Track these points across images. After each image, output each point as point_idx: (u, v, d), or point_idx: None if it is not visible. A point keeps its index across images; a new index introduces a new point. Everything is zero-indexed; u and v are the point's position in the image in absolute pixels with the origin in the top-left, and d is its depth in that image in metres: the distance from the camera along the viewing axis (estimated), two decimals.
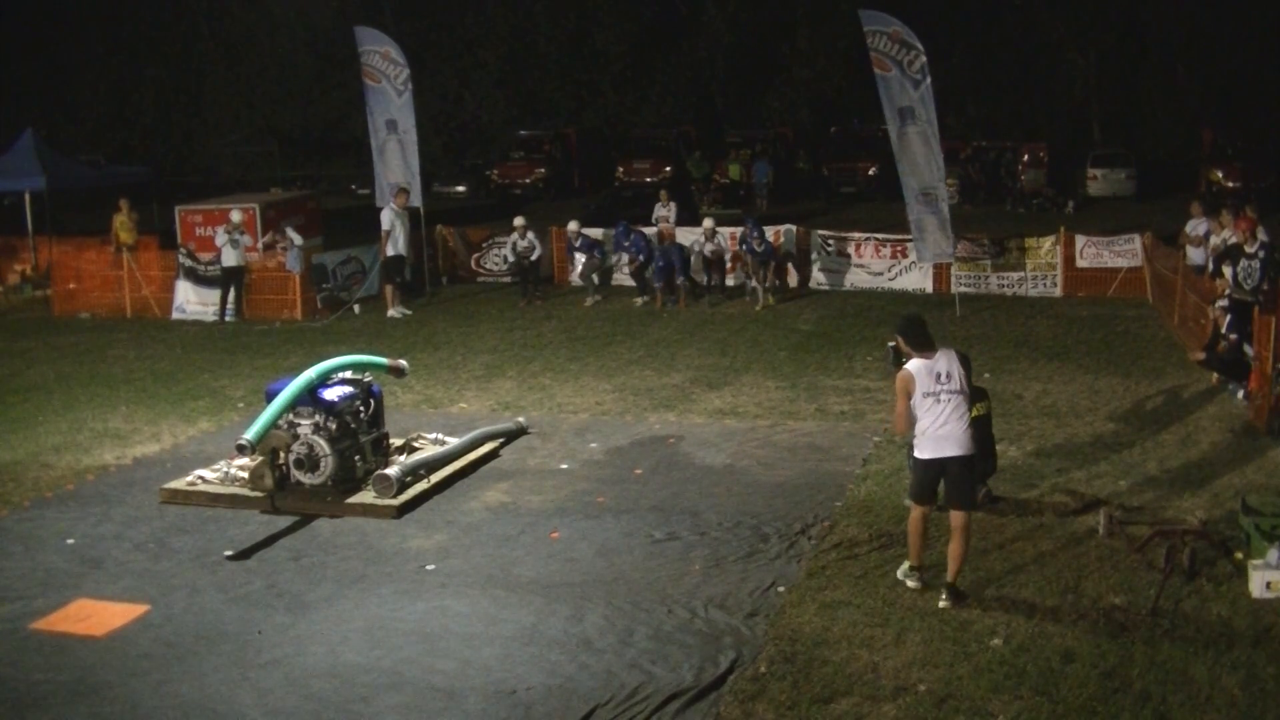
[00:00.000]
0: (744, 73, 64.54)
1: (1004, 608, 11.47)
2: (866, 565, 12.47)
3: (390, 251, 28.67)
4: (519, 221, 30.26)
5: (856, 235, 30.22)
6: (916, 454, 11.82)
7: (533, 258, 29.88)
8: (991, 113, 58.08)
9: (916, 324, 11.93)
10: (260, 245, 30.44)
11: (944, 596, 11.55)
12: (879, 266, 29.61)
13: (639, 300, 28.42)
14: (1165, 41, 57.19)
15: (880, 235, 29.96)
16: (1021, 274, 28.55)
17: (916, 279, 29.05)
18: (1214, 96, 55.54)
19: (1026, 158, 49.35)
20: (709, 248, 29.09)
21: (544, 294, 29.78)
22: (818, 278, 30.01)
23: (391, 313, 27.89)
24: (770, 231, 29.41)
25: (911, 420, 11.71)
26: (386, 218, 28.80)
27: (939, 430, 11.51)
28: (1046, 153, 49.93)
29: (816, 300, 28.30)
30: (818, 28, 61.59)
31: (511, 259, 30.41)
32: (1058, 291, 28.19)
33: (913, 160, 26.12)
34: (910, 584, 11.84)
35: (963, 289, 27.88)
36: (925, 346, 11.67)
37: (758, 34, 64.10)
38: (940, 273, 28.69)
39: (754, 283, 28.43)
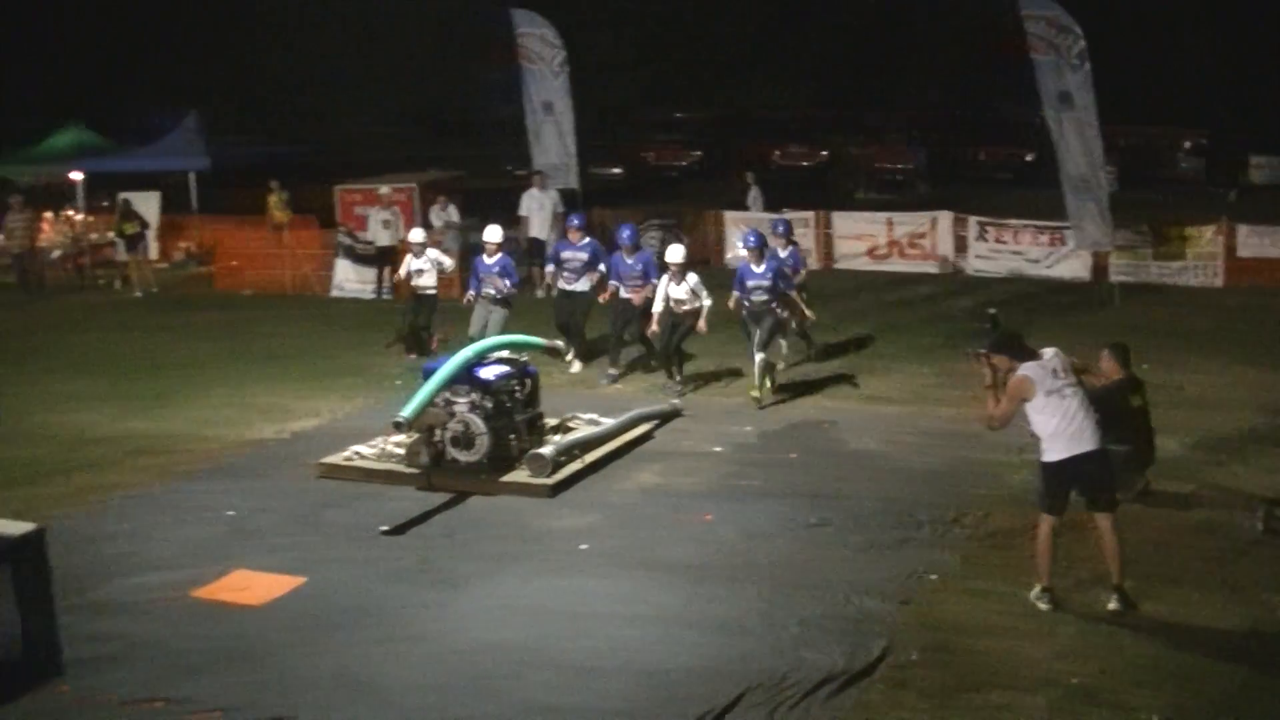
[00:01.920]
0: (885, 55, 63.96)
1: (1157, 602, 11.34)
2: (1019, 555, 12.34)
3: (530, 234, 28.78)
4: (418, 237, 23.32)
5: (1013, 222, 29.88)
6: (1048, 458, 11.27)
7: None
8: (1151, 99, 57.03)
9: (1016, 338, 11.62)
10: (433, 221, 30.76)
11: (1114, 600, 11.21)
12: (1036, 254, 29.23)
13: None
14: None
15: (1037, 222, 29.56)
16: (1182, 263, 28.02)
17: (1074, 267, 28.60)
18: None
19: (1188, 145, 48.41)
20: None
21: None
22: (975, 264, 29.76)
23: (538, 293, 28.04)
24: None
25: (1005, 419, 11.46)
26: (523, 202, 28.90)
27: (1071, 428, 11.08)
28: (1208, 139, 48.89)
29: (973, 286, 28.06)
30: (957, 9, 60.89)
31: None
32: (1219, 281, 27.59)
33: (1070, 146, 25.79)
34: (1042, 606, 11.30)
35: (1121, 278, 27.46)
36: (1031, 356, 11.30)
37: (895, 15, 63.56)
38: (1098, 261, 28.28)
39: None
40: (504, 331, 19.40)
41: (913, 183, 47.32)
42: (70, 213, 36.63)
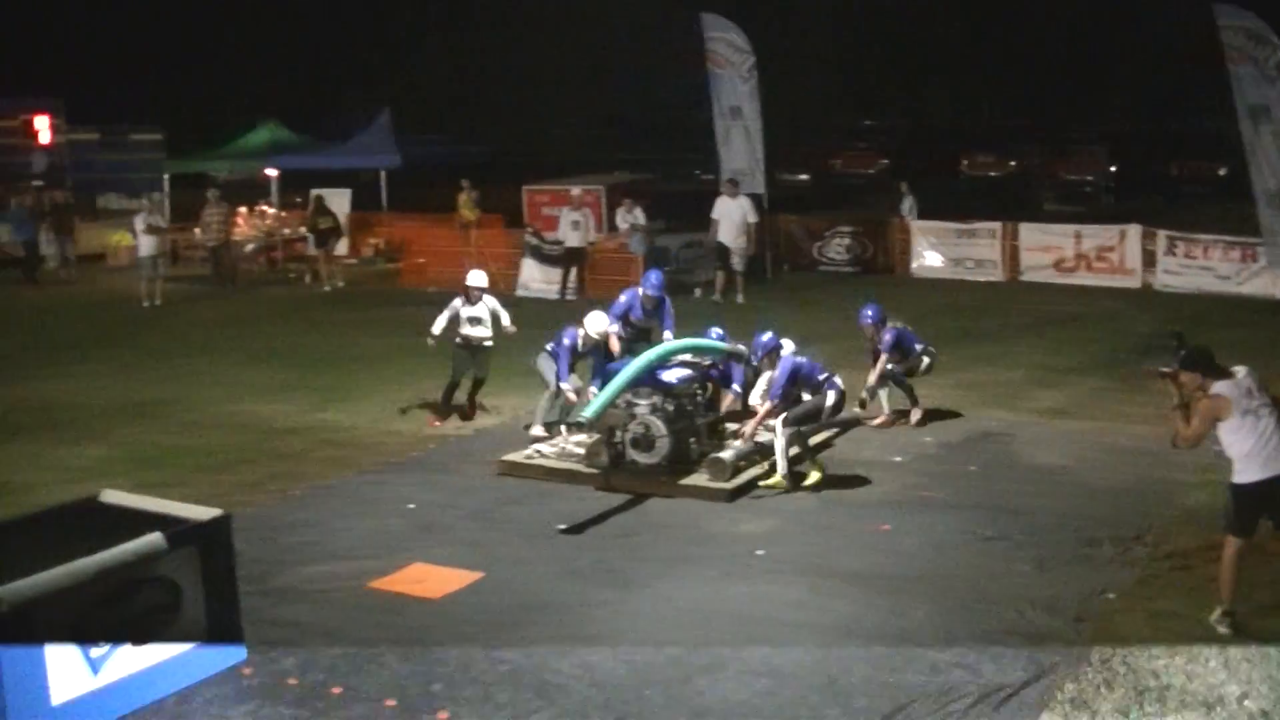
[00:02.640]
0: (1077, 66, 63.07)
1: None
2: (1199, 577, 12.08)
3: (717, 238, 28.80)
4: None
5: (1204, 237, 29.25)
6: (1241, 479, 10.87)
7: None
8: None
9: (1207, 355, 11.12)
10: (619, 223, 30.98)
11: None
12: (1227, 270, 28.51)
13: None
14: None
15: (1229, 238, 28.91)
16: None
17: (1265, 284, 27.77)
18: None
19: None
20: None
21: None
22: (1163, 280, 29.23)
23: (715, 297, 28.06)
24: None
25: (1196, 439, 11.15)
26: (715, 207, 28.90)
27: (1266, 449, 10.69)
28: None
29: (1160, 302, 27.56)
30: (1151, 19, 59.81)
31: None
32: None
33: (1266, 160, 25.23)
34: (1222, 630, 10.94)
35: None
36: (1223, 373, 10.91)
37: (1087, 26, 62.63)
38: None
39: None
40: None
41: (1098, 195, 46.63)
42: (264, 208, 37.48)
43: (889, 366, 17.96)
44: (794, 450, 15.28)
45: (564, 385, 16.83)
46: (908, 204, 33.21)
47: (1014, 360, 21.84)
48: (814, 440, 15.90)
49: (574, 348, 17.20)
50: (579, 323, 17.32)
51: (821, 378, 15.48)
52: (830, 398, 15.37)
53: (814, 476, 15.24)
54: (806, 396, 15.38)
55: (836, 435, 17.25)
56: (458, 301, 18.92)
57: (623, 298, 18.18)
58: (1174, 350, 11.39)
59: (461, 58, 72.24)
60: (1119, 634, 10.96)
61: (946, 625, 11.15)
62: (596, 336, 17.21)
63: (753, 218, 28.56)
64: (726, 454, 15.25)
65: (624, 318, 17.90)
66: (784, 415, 15.21)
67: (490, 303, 19.20)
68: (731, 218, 28.53)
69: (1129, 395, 19.22)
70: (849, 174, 53.81)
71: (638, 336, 17.88)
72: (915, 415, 18.08)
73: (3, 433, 15.60)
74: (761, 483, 15.11)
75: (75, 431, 18.53)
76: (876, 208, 35.18)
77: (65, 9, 68.65)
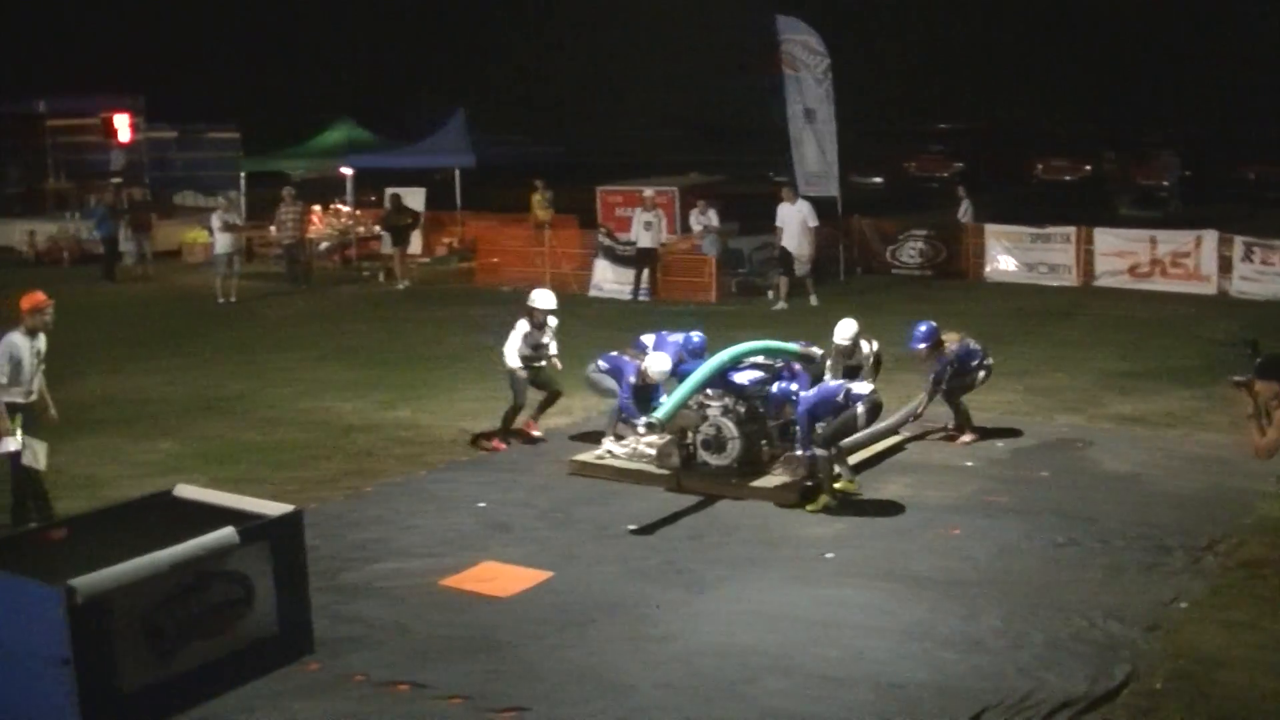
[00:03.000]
0: (1153, 70, 62.54)
1: None
2: (1273, 588, 11.99)
3: (780, 244, 28.67)
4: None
5: None
6: None
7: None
8: None
9: None
10: (693, 224, 30.99)
11: None
12: None
13: None
14: None
15: None
16: None
17: None
18: None
19: None
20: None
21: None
22: (1239, 286, 28.93)
23: (780, 304, 27.93)
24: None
25: (1273, 449, 11.01)
26: (778, 213, 28.74)
27: None
28: None
29: (1235, 309, 27.27)
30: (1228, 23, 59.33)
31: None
32: None
33: None
34: None
35: None
36: None
37: (1165, 30, 62.13)
38: None
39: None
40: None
41: (1171, 200, 46.21)
42: (339, 206, 37.69)
43: (941, 387, 17.20)
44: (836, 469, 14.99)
45: (639, 425, 16.16)
46: (964, 208, 33.14)
47: (1087, 366, 21.69)
48: (861, 455, 15.92)
49: (633, 384, 16.54)
50: (634, 355, 16.99)
51: (841, 397, 14.86)
52: (860, 410, 14.72)
53: (821, 500, 14.63)
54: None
55: (902, 443, 17.13)
56: (524, 324, 17.65)
57: (674, 339, 17.34)
58: (1249, 358, 11.29)
59: (538, 58, 72.54)
60: (1191, 644, 10.88)
61: (1015, 632, 11.09)
62: (656, 378, 16.51)
63: (813, 222, 28.34)
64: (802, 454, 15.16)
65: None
66: (815, 434, 14.83)
67: (553, 323, 18.05)
68: (792, 223, 28.37)
69: (1203, 402, 19.08)
70: (923, 177, 53.57)
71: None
72: (966, 438, 17.39)
73: (80, 427, 15.77)
74: (835, 485, 14.98)
75: (150, 426, 18.71)
76: (950, 211, 34.97)
77: (146, 9, 69.39)
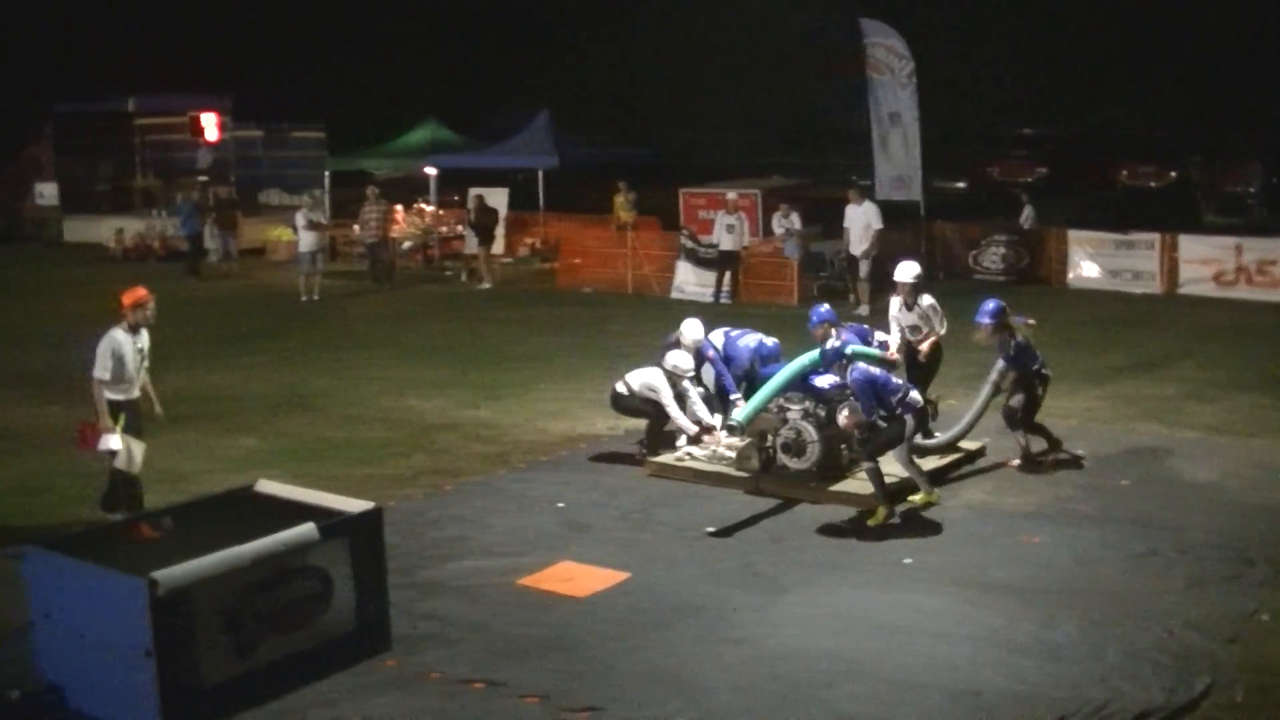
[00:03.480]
0: (1240, 76, 61.77)
1: None
2: None
3: (848, 248, 28.44)
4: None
5: None
6: None
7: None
8: None
9: None
10: (775, 228, 30.96)
11: None
12: None
13: None
14: None
15: None
16: None
17: None
18: None
19: None
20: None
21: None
22: None
23: (862, 308, 27.70)
24: None
25: None
26: (846, 215, 28.49)
27: None
28: None
29: None
30: None
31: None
32: None
33: None
34: None
35: None
36: None
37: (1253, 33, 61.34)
38: None
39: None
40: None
41: (1253, 207, 45.61)
42: (422, 206, 37.91)
43: (1011, 404, 16.14)
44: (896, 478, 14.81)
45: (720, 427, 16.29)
46: (1026, 214, 32.97)
47: (1170, 374, 21.49)
48: (938, 461, 15.94)
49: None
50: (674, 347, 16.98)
51: (897, 399, 14.54)
52: (910, 422, 14.51)
53: (881, 514, 14.30)
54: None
55: (981, 448, 16.95)
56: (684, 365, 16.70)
57: (745, 344, 17.29)
58: None
59: (623, 60, 72.59)
60: (1272, 657, 10.78)
61: (1094, 641, 11.02)
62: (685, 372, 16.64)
63: (877, 224, 27.98)
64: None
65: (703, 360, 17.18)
66: (867, 446, 14.63)
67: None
68: (857, 224, 28.08)
69: None
70: (1007, 182, 53.17)
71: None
72: (1015, 461, 16.38)
73: (164, 422, 15.91)
74: (910, 498, 14.92)
75: (233, 422, 18.90)
76: (1043, 217, 34.72)
77: (234, 9, 70.05)
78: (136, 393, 14.23)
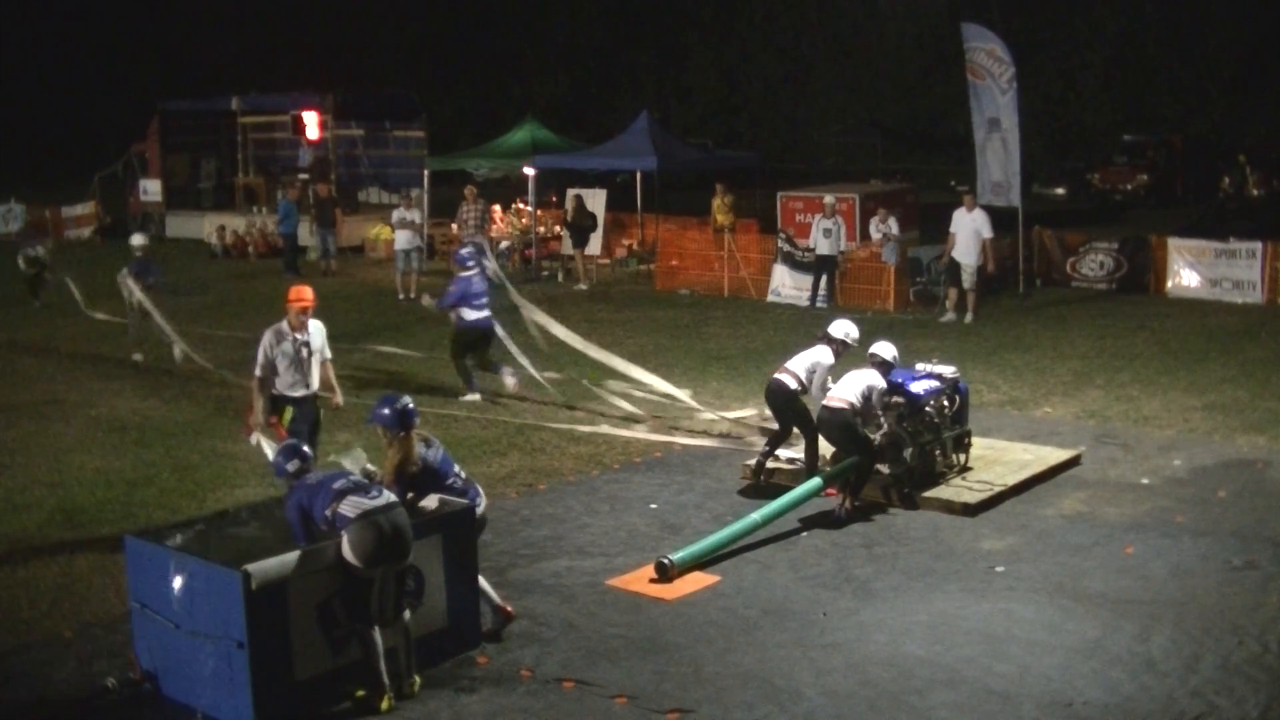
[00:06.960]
0: None
1: None
2: None
3: (951, 253, 28.18)
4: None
5: None
6: None
7: None
8: None
9: None
10: (872, 233, 30.85)
11: None
12: None
13: None
14: None
15: None
16: None
17: None
18: None
19: None
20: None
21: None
22: None
23: (949, 315, 27.42)
24: None
25: None
26: (954, 220, 28.18)
27: None
28: None
29: None
30: None
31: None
32: None
33: None
34: None
35: None
36: None
37: None
38: None
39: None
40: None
41: None
42: (521, 206, 38.06)
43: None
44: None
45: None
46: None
47: (1270, 386, 21.16)
48: (1034, 470, 15.89)
49: None
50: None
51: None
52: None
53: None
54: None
55: (1077, 457, 16.83)
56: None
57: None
58: None
59: (726, 64, 72.60)
60: None
61: (1190, 655, 10.93)
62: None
63: (987, 233, 27.63)
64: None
65: None
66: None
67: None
68: (965, 231, 27.83)
69: None
70: (1107, 189, 52.68)
71: None
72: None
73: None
74: None
75: (329, 418, 18.97)
76: (1135, 224, 34.42)
77: (338, 9, 70.72)
78: (306, 389, 14.45)
